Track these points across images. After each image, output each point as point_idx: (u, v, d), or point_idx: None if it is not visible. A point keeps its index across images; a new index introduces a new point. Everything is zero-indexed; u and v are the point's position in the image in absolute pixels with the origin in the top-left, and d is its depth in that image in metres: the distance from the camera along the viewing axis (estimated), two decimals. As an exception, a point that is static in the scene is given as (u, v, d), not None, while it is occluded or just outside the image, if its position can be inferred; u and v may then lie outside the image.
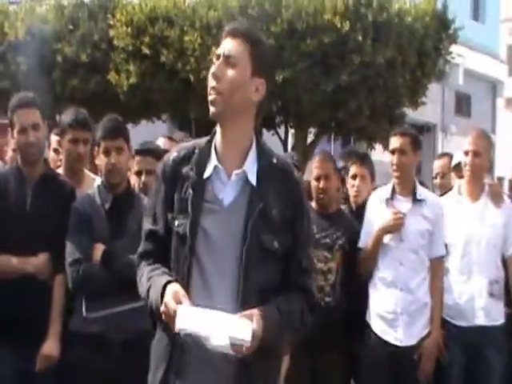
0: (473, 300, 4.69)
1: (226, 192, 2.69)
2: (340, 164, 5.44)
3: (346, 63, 11.68)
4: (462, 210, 4.83)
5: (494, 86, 28.94)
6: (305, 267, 2.77)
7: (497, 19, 27.79)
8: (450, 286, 4.73)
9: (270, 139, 12.65)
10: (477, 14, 26.16)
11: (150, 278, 2.72)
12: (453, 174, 5.94)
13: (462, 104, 26.10)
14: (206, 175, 2.70)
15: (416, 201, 4.68)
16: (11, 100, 4.10)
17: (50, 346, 3.95)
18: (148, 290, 2.70)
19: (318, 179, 4.85)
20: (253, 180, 2.69)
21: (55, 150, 4.83)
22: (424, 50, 12.63)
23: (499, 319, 4.78)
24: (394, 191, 4.73)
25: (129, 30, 12.39)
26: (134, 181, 4.53)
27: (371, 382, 4.65)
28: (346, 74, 11.62)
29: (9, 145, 5.11)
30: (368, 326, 4.68)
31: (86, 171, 4.62)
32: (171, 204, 2.72)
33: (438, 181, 6.27)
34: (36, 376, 3.96)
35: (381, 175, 6.05)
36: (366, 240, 4.73)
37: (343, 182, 5.44)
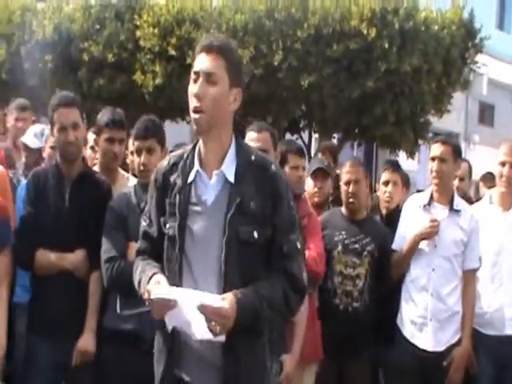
0: (503, 309, 4.69)
1: (209, 193, 2.89)
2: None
3: (371, 70, 11.65)
4: (493, 219, 4.83)
5: (517, 96, 28.80)
6: (286, 252, 2.90)
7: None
8: (480, 295, 4.74)
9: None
10: (502, 23, 26.01)
11: (142, 272, 2.93)
12: (481, 184, 5.96)
13: (486, 113, 25.96)
14: (189, 180, 2.91)
15: (453, 210, 4.72)
16: (52, 99, 4.16)
17: (86, 341, 4.02)
18: (139, 282, 2.92)
19: (347, 184, 4.89)
20: (231, 178, 2.87)
21: (92, 148, 4.90)
22: (450, 58, 12.59)
23: (529, 329, 4.76)
24: (431, 198, 4.76)
25: (155, 31, 12.41)
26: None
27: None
28: (372, 80, 11.60)
29: (47, 142, 5.18)
30: (398, 330, 4.70)
31: (120, 170, 4.67)
32: (163, 209, 2.95)
33: (456, 183, 6.31)
34: (72, 370, 4.03)
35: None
36: (399, 243, 4.77)
37: (371, 189, 5.47)
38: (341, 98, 11.80)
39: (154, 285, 2.77)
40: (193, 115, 2.85)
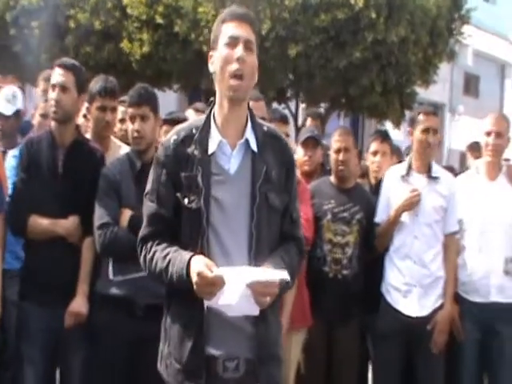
0: (488, 277, 4.76)
1: (231, 162, 2.89)
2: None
3: (358, 40, 11.69)
4: (480, 189, 4.89)
5: (502, 68, 28.87)
6: (294, 219, 3.04)
7: (509, 1, 27.60)
8: (466, 263, 4.81)
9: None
10: (488, -6, 26.04)
11: (166, 256, 2.82)
12: (468, 153, 6.01)
13: (471, 84, 26.05)
14: (210, 151, 2.87)
15: (431, 178, 4.78)
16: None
17: (78, 304, 4.04)
18: (166, 267, 2.80)
19: (337, 152, 4.91)
20: (254, 147, 2.91)
21: (84, 116, 4.90)
22: (436, 29, 12.63)
23: (514, 296, 4.84)
24: (410, 168, 4.82)
25: (142, -2, 12.37)
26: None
27: (385, 351, 4.75)
28: (359, 50, 11.63)
29: (36, 109, 5.16)
30: (383, 298, 4.78)
31: (113, 138, 4.68)
32: (178, 184, 2.86)
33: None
34: (65, 336, 4.07)
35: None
36: (382, 215, 4.83)
37: (359, 158, 5.51)
38: (328, 68, 11.83)
39: (206, 268, 2.66)
40: (232, 81, 2.81)
